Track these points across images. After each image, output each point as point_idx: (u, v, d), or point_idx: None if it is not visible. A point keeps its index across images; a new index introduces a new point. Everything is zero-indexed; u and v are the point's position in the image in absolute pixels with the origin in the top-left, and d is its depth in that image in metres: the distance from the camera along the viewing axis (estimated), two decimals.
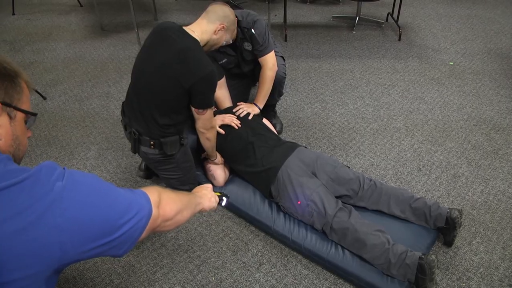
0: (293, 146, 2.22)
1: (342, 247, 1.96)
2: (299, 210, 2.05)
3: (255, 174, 2.20)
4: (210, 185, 1.56)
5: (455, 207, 2.30)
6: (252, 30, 2.35)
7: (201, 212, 1.44)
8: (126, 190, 1.03)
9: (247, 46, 2.43)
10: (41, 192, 0.87)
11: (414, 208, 2.03)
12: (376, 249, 1.84)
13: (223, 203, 1.62)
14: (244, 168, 2.26)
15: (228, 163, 2.40)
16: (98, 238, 0.92)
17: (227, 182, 2.38)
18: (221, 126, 2.34)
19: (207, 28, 1.96)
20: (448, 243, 2.07)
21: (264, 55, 2.43)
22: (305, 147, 2.31)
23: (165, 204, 1.11)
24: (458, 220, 1.94)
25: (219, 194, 1.61)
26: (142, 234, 1.01)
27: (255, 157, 2.20)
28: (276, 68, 2.49)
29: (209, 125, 2.03)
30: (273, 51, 2.46)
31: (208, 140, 2.11)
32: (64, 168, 0.94)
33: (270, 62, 2.45)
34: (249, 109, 2.48)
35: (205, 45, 1.99)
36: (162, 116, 1.93)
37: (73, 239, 0.88)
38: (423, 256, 1.75)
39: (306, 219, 2.05)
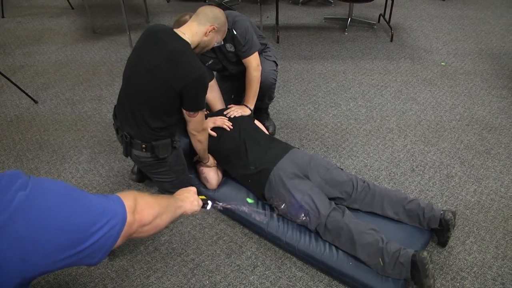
0: (286, 148, 2.22)
1: (336, 248, 1.96)
2: (292, 212, 2.05)
3: (248, 176, 2.19)
4: (193, 188, 1.52)
5: (448, 208, 2.32)
6: (233, 31, 2.34)
7: (183, 215, 1.40)
8: (99, 196, 1.00)
9: (229, 47, 2.43)
10: (1, 203, 0.83)
11: (408, 209, 2.03)
12: (370, 248, 1.85)
13: (208, 207, 1.59)
14: (237, 170, 2.25)
15: (221, 165, 2.39)
16: (67, 248, 0.88)
17: (221, 184, 2.37)
18: (213, 129, 2.33)
19: (197, 30, 1.95)
20: (442, 243, 2.07)
21: (248, 56, 2.42)
22: (298, 148, 2.31)
23: (142, 209, 1.08)
24: (451, 222, 1.95)
25: (203, 197, 1.58)
26: (116, 242, 0.98)
27: (247, 159, 2.19)
28: (261, 68, 2.48)
29: (200, 127, 2.03)
30: (256, 52, 2.45)
31: (199, 142, 2.10)
32: (30, 177, 0.91)
33: (254, 63, 2.44)
34: (240, 111, 2.48)
35: (196, 47, 1.98)
36: (153, 119, 1.92)
37: (39, 250, 0.85)
38: (415, 254, 1.76)
39: (299, 220, 2.05)
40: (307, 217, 2.01)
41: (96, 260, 0.95)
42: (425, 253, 1.74)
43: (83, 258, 0.92)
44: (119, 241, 0.99)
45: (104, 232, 0.94)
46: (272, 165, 2.11)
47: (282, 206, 2.07)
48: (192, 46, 1.94)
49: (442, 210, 1.98)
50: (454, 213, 1.97)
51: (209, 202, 1.60)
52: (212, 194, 2.32)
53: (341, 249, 1.95)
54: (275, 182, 2.07)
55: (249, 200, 2.25)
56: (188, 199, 1.44)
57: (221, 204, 1.67)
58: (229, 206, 1.72)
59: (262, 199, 2.19)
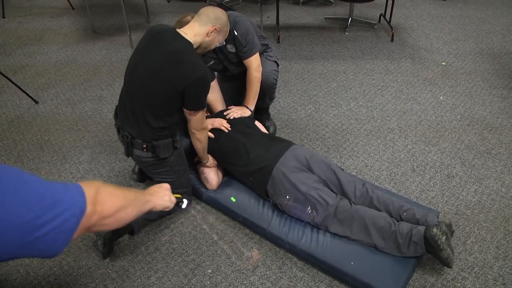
0: (287, 145, 2.23)
1: (338, 246, 1.96)
2: (298, 206, 2.05)
3: (250, 173, 2.19)
4: (165, 185, 1.48)
5: (448, 208, 2.31)
6: (234, 31, 2.34)
7: (153, 210, 1.34)
8: (57, 184, 0.94)
9: (231, 48, 2.43)
10: None
11: (405, 219, 2.01)
12: (384, 232, 1.90)
13: (183, 206, 1.56)
14: (238, 168, 2.25)
15: (221, 165, 2.39)
16: (10, 240, 0.83)
17: (221, 185, 2.37)
18: (211, 130, 2.33)
19: (199, 30, 1.96)
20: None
21: (248, 57, 2.42)
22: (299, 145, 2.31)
23: (104, 200, 1.02)
24: (447, 236, 1.87)
25: (179, 196, 1.54)
26: (74, 233, 0.92)
27: (248, 157, 2.19)
28: (261, 69, 2.48)
29: (200, 126, 2.03)
30: (257, 53, 2.45)
31: (199, 141, 2.11)
32: None
33: (254, 63, 2.44)
34: (240, 112, 2.48)
35: (198, 47, 1.99)
36: (155, 119, 1.92)
37: None
38: (426, 231, 1.81)
39: (305, 215, 2.06)
40: (314, 211, 2.02)
41: (52, 252, 0.90)
42: (434, 230, 1.78)
43: (32, 249, 0.87)
44: (78, 233, 0.94)
45: (58, 223, 0.88)
46: (275, 161, 2.11)
47: (286, 201, 2.07)
48: (194, 46, 1.94)
49: (438, 221, 1.92)
50: (448, 225, 1.90)
51: (185, 201, 1.57)
52: (213, 195, 2.32)
53: (353, 238, 1.98)
54: (279, 178, 2.07)
55: (232, 199, 2.25)
56: (159, 194, 1.40)
57: (193, 212, 1.69)
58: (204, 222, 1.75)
59: (264, 196, 2.19)
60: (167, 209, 1.44)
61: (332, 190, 2.09)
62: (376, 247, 1.94)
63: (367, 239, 1.95)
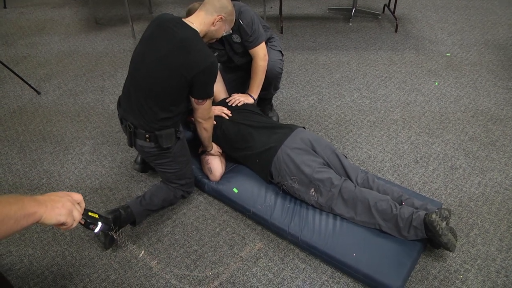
0: (292, 127, 2.24)
1: (339, 237, 1.96)
2: (301, 188, 2.06)
3: (255, 156, 2.20)
4: (76, 195, 1.14)
5: (447, 207, 2.30)
6: (240, 21, 2.32)
7: (41, 224, 1.03)
8: None
9: (236, 38, 2.41)
10: None
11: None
12: (385, 215, 1.92)
13: (96, 229, 1.25)
14: (244, 152, 2.26)
15: (226, 151, 2.38)
16: None
17: (223, 176, 2.37)
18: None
19: (205, 19, 1.96)
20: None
21: (255, 46, 2.41)
22: (303, 127, 2.30)
23: None
24: (438, 224, 1.84)
25: (95, 215, 1.24)
26: None
27: (253, 140, 2.20)
28: (267, 58, 2.47)
29: (207, 115, 2.04)
30: (263, 42, 2.43)
31: (205, 130, 2.11)
32: None
33: (261, 53, 2.43)
34: (243, 99, 2.48)
35: (204, 36, 1.99)
36: (160, 109, 1.92)
37: None
38: (426, 217, 1.82)
39: (308, 197, 2.07)
40: (317, 193, 2.03)
41: None
42: (433, 216, 1.79)
43: None
44: None
45: None
46: (280, 143, 2.13)
47: (291, 182, 2.07)
48: (200, 35, 1.94)
49: (438, 208, 1.92)
50: (448, 211, 1.89)
51: (99, 224, 1.25)
52: (215, 186, 2.31)
53: (358, 220, 2.00)
54: (283, 159, 2.09)
55: (235, 190, 2.25)
56: (52, 204, 1.05)
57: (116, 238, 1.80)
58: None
59: (268, 178, 2.20)
60: (63, 227, 1.09)
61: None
62: (381, 228, 1.96)
63: (371, 220, 1.97)
